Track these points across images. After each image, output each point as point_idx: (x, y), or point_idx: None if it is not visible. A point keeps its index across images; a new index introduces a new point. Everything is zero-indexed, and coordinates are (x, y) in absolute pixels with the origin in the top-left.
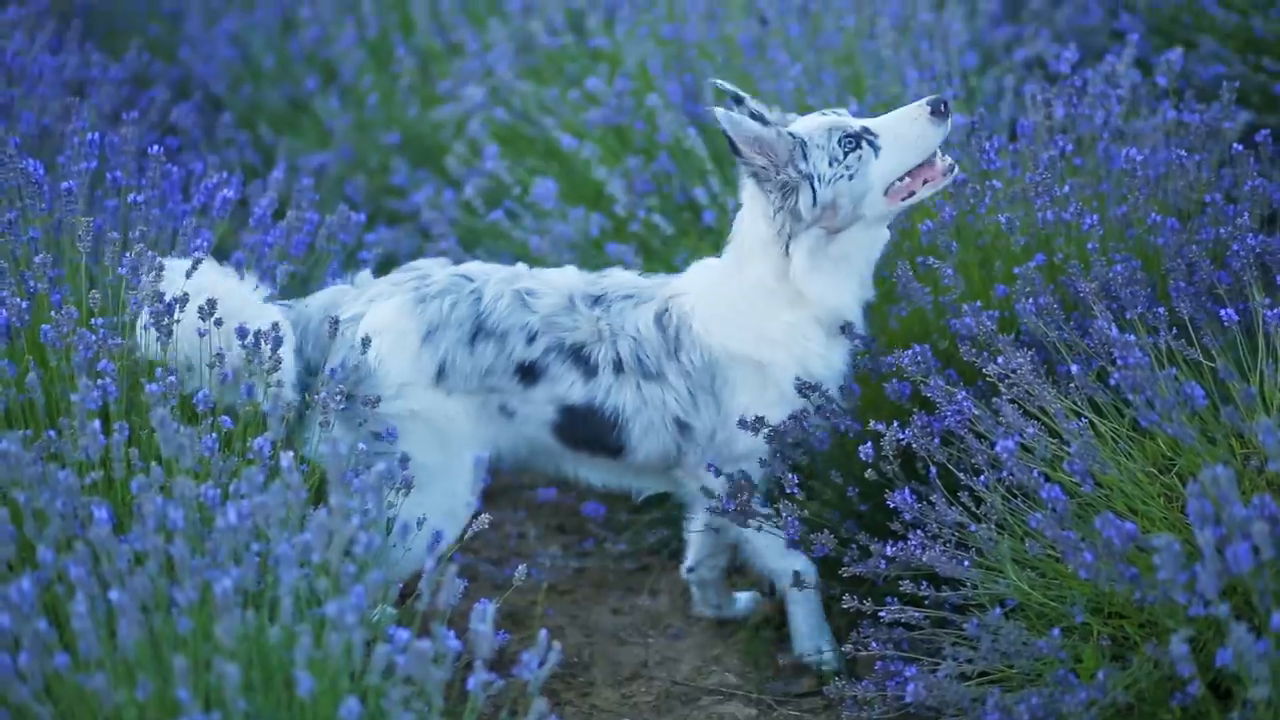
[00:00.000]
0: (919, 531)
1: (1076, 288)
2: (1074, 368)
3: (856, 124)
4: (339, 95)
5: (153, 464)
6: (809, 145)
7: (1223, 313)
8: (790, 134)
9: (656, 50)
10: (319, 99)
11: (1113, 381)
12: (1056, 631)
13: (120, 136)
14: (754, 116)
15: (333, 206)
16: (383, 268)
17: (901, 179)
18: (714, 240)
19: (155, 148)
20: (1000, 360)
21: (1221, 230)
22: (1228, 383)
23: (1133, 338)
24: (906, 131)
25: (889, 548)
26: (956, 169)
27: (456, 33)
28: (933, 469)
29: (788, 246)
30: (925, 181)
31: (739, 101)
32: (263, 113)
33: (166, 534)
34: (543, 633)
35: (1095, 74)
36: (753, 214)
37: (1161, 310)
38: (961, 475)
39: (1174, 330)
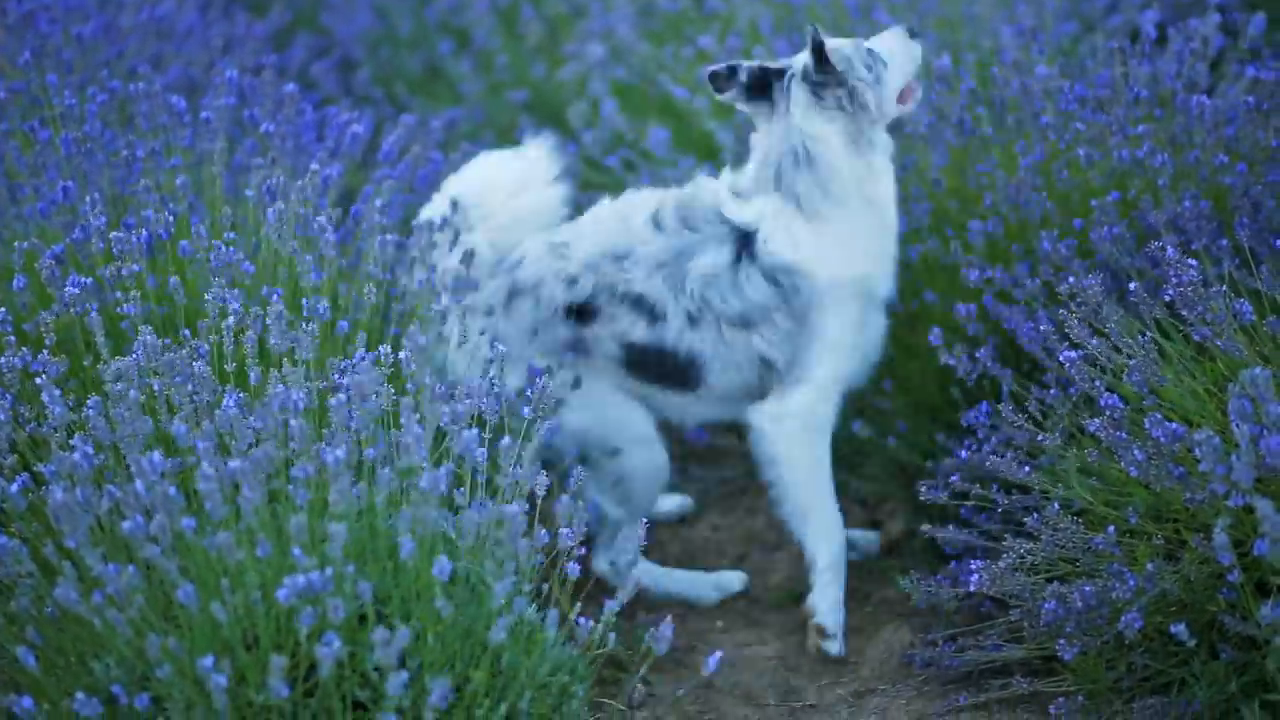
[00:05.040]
0: (992, 440)
1: (1147, 219)
2: (1132, 285)
3: (867, 44)
4: (471, 60)
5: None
6: (858, 58)
7: (1278, 243)
8: (865, 48)
9: (767, 11)
10: (451, 62)
11: (1166, 297)
12: (1112, 529)
13: (259, 79)
14: (758, 71)
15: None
16: None
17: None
18: None
19: (291, 86)
20: (1071, 280)
21: None
22: (1275, 297)
23: (1193, 262)
24: (900, 49)
25: (964, 452)
26: (920, 92)
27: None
28: (1005, 386)
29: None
30: (910, 97)
31: (733, 72)
32: (399, 75)
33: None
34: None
35: (1175, 32)
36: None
37: (1225, 243)
38: (1033, 389)
39: (1236, 261)
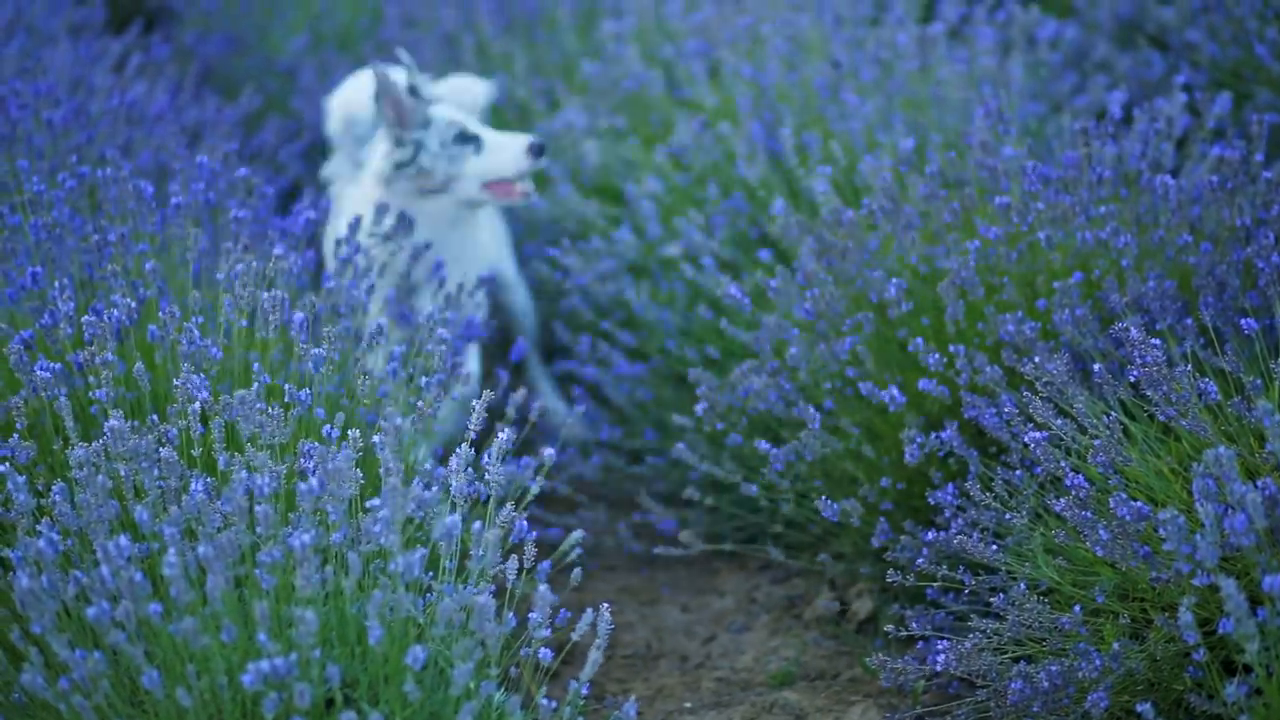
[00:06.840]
0: (959, 521)
1: (1110, 301)
2: (1096, 366)
3: (475, 128)
4: None
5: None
6: (433, 123)
7: (1243, 322)
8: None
9: (746, 90)
10: None
11: (1131, 378)
12: (1078, 608)
13: (221, 162)
14: (412, 89)
15: None
16: None
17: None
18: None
19: (244, 170)
20: (1036, 359)
21: (1249, 248)
22: (1239, 377)
23: (1157, 342)
24: (505, 152)
25: (929, 535)
26: (532, 195)
27: (549, 81)
28: (972, 468)
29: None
30: (506, 194)
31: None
32: None
33: (252, 499)
34: (604, 605)
35: (1141, 112)
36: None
37: (1190, 322)
38: (999, 470)
39: (1201, 340)
